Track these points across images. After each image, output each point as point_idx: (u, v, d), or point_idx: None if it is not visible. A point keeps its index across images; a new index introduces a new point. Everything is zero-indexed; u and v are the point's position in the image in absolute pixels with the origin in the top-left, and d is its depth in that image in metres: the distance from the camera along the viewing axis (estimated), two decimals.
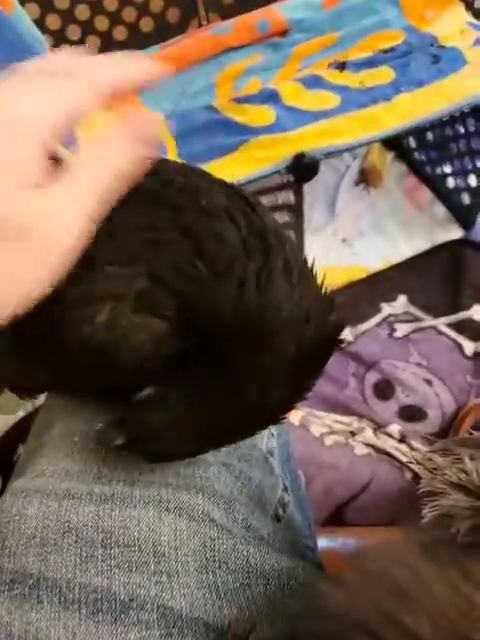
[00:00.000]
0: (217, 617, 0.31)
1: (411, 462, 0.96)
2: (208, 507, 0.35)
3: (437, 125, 1.17)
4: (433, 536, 0.26)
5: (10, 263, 0.25)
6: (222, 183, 0.38)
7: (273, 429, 0.47)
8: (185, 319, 0.33)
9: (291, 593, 0.33)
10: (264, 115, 0.92)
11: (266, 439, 0.45)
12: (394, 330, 1.18)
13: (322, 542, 0.50)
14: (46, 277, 0.26)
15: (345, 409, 1.08)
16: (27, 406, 0.92)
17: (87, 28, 1.00)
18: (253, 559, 0.34)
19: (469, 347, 1.14)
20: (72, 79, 0.29)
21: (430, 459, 0.29)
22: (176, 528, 0.34)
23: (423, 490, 0.28)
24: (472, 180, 1.19)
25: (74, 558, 0.32)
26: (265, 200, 1.11)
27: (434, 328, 1.18)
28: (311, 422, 1.06)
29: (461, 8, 0.98)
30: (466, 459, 0.29)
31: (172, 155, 0.92)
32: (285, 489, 0.44)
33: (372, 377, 1.12)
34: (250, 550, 0.35)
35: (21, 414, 0.93)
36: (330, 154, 0.88)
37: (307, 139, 0.89)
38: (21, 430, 0.88)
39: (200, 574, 0.32)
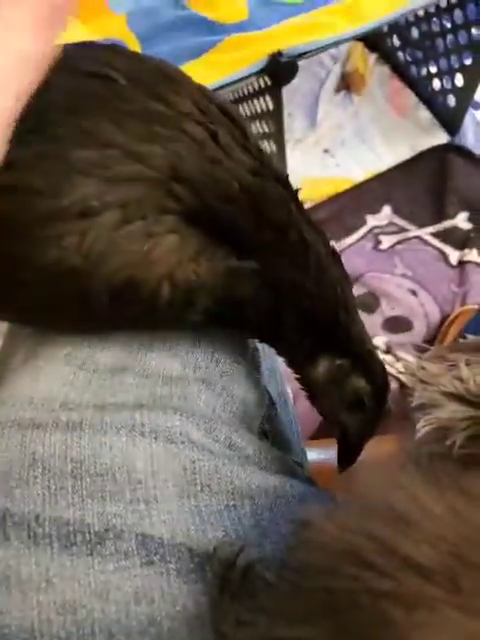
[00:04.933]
0: (201, 541, 0.30)
1: (400, 372, 0.96)
2: (186, 427, 0.34)
3: (423, 18, 1.10)
4: (428, 451, 0.24)
5: None
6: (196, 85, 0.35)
7: (257, 343, 0.45)
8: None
9: (280, 512, 0.32)
10: (236, 10, 0.85)
11: (250, 354, 0.43)
12: (379, 242, 1.16)
13: (312, 455, 0.49)
14: None
15: None
16: None
17: None
18: (237, 479, 0.33)
19: (454, 256, 1.13)
20: None
21: (423, 368, 0.27)
22: (152, 452, 0.32)
23: (416, 403, 0.26)
24: (458, 80, 1.12)
25: (42, 491, 0.30)
26: (243, 109, 1.05)
27: (419, 238, 1.16)
28: None
29: None
30: (462, 365, 0.27)
31: None
32: (271, 404, 0.43)
33: (357, 291, 1.11)
34: (234, 470, 0.33)
35: None
36: (310, 52, 0.82)
37: (284, 36, 0.82)
38: None
39: (181, 499, 0.31)
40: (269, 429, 0.42)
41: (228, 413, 0.37)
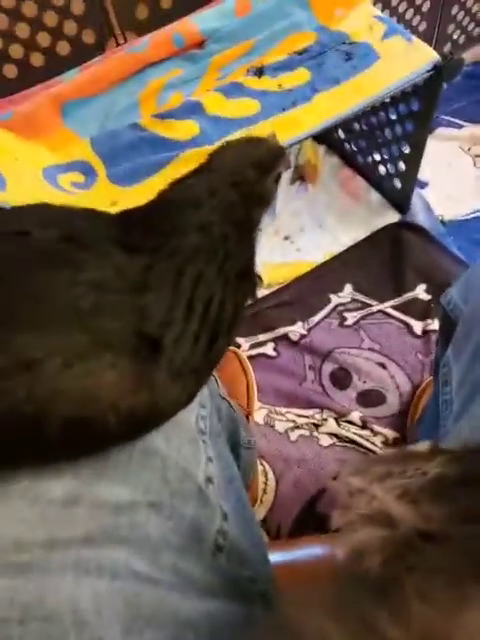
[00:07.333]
0: None
1: (376, 445, 0.94)
2: (131, 560, 0.33)
3: (363, 114, 1.19)
4: (350, 573, 0.25)
5: None
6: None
7: (211, 453, 0.45)
8: None
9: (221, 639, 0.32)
10: (189, 128, 0.92)
11: (203, 466, 0.43)
12: (344, 319, 1.20)
13: (276, 557, 0.50)
14: None
15: (306, 402, 1.10)
16: None
17: (2, 58, 0.99)
18: (182, 610, 0.33)
19: (417, 326, 1.18)
20: None
21: (348, 484, 0.27)
22: (95, 591, 0.31)
23: (334, 526, 0.27)
24: (401, 165, 1.21)
25: None
26: None
27: (382, 312, 1.20)
28: (275, 419, 1.08)
29: (368, 3, 1.00)
30: (375, 484, 0.27)
31: (102, 178, 0.92)
32: (224, 517, 0.43)
33: (328, 367, 1.14)
34: (176, 599, 0.33)
35: None
36: None
37: None
38: None
39: (127, 636, 0.31)
40: (223, 542, 0.42)
41: (178, 536, 0.37)
